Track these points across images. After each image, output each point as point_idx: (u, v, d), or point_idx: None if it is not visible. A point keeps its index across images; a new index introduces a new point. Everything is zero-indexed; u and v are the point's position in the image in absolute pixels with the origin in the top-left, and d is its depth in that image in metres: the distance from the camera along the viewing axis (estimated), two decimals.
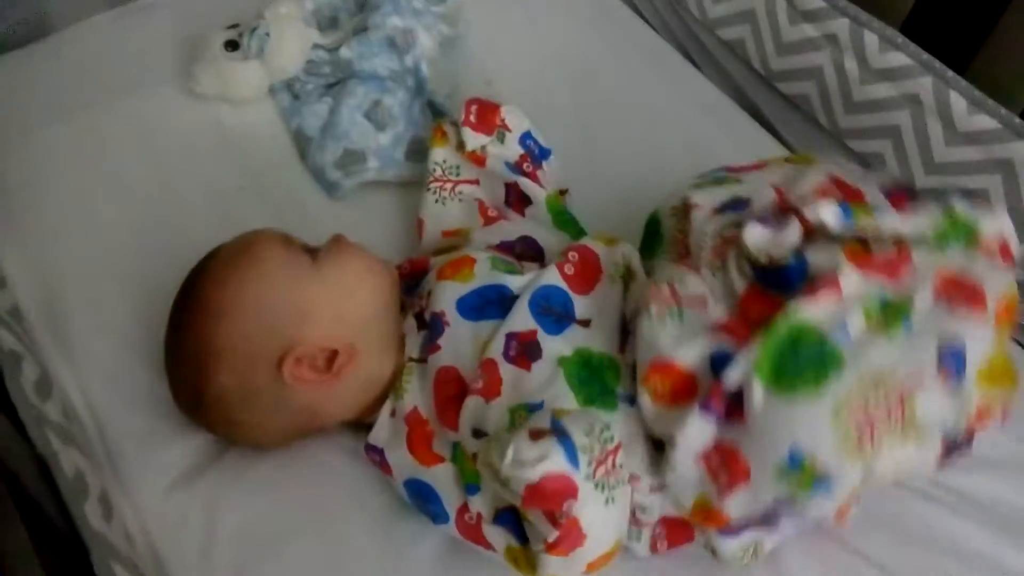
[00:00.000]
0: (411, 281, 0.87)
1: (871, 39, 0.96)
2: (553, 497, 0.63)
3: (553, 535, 0.64)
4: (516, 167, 0.93)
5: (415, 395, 0.77)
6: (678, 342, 0.69)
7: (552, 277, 0.79)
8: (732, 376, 0.65)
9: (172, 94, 1.09)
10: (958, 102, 0.91)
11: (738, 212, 0.74)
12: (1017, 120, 0.89)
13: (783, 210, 0.71)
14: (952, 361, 0.64)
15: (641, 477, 0.72)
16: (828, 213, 0.68)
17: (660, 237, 0.84)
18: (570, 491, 0.63)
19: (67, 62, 1.12)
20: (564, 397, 0.72)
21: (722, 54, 1.14)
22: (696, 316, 0.70)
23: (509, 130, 0.93)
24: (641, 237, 0.86)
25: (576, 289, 0.80)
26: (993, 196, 0.91)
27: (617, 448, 0.67)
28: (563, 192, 0.95)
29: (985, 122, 0.89)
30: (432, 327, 0.79)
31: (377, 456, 0.78)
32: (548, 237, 0.88)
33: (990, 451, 0.87)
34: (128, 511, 0.79)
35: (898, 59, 0.95)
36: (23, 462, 0.66)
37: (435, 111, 1.08)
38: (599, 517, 0.65)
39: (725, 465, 0.67)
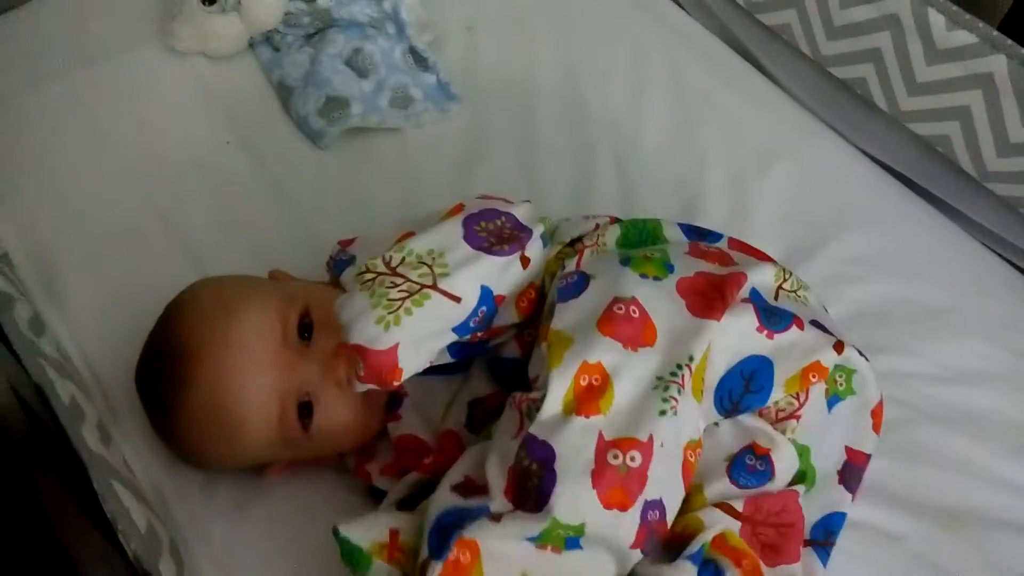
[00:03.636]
0: None
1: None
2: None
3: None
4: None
5: None
6: None
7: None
8: None
9: (152, 53, 1.09)
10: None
11: None
12: None
13: None
14: None
15: None
16: None
17: None
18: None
19: (44, 27, 1.11)
20: None
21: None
22: None
23: None
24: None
25: None
26: None
27: None
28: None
29: None
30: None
31: None
32: None
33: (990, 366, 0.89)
34: (128, 451, 0.79)
35: (965, 38, 0.91)
36: (24, 386, 0.66)
37: (416, 57, 1.08)
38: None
39: None
